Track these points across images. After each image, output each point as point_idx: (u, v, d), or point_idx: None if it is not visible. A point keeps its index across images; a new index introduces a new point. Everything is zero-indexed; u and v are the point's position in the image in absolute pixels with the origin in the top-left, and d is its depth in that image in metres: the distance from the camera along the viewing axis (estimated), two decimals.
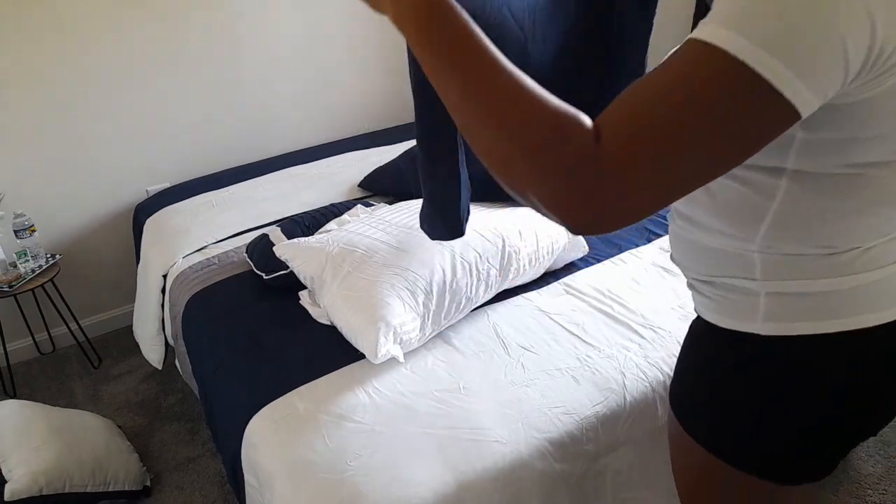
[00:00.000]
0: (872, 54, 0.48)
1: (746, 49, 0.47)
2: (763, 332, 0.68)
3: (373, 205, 1.95)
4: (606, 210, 0.51)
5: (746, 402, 0.72)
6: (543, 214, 0.54)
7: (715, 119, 0.48)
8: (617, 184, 0.49)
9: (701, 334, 0.79)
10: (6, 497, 1.50)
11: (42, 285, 2.16)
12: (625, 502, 1.29)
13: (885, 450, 1.77)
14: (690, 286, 0.80)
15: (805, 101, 0.48)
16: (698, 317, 0.79)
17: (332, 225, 1.82)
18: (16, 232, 2.12)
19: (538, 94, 0.52)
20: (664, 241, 1.79)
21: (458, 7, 0.55)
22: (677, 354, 1.34)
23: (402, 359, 1.36)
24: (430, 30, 0.55)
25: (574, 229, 0.53)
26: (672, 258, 0.84)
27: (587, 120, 0.51)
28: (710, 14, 0.50)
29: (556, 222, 0.53)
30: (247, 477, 1.27)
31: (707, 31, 0.49)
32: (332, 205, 2.01)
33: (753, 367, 0.71)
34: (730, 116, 0.49)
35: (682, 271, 0.81)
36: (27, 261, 2.14)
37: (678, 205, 0.75)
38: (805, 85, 0.47)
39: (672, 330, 1.42)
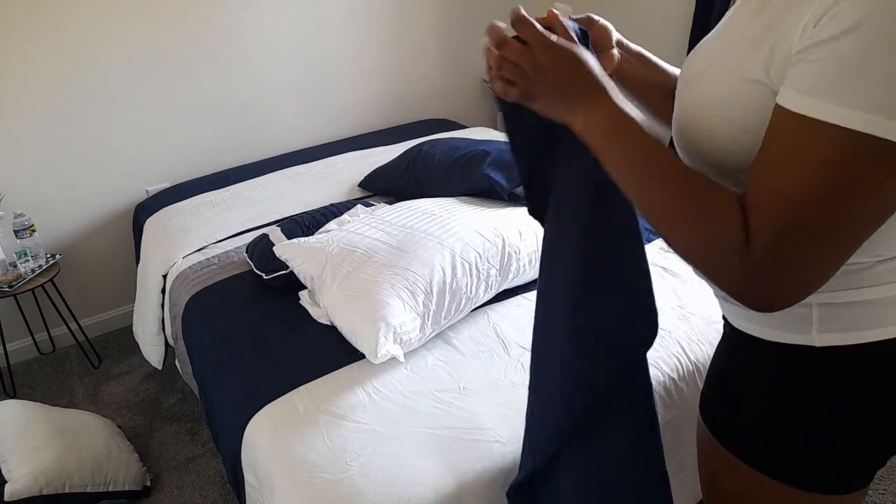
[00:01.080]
0: None
1: (866, 120, 0.50)
2: (819, 344, 0.67)
3: (373, 205, 1.95)
4: (773, 300, 0.59)
5: (804, 416, 0.71)
6: None
7: (854, 194, 0.52)
8: (773, 280, 0.57)
9: (741, 347, 0.77)
10: (6, 497, 1.50)
11: (42, 285, 2.16)
12: None
13: None
14: (724, 298, 0.78)
15: None
16: (732, 328, 0.77)
17: (332, 225, 1.82)
18: (16, 232, 2.12)
19: (707, 189, 0.61)
20: (664, 241, 1.79)
21: (634, 113, 0.65)
22: (677, 354, 1.36)
23: (402, 359, 1.36)
24: (619, 139, 0.65)
25: (751, 308, 0.61)
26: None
27: (738, 212, 0.57)
28: (804, 83, 0.53)
29: None
30: (247, 477, 1.27)
31: (819, 108, 0.52)
32: (332, 205, 2.01)
33: (811, 379, 0.69)
34: (867, 186, 0.52)
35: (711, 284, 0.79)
36: (27, 261, 2.14)
37: None
38: None
39: (672, 330, 1.42)
